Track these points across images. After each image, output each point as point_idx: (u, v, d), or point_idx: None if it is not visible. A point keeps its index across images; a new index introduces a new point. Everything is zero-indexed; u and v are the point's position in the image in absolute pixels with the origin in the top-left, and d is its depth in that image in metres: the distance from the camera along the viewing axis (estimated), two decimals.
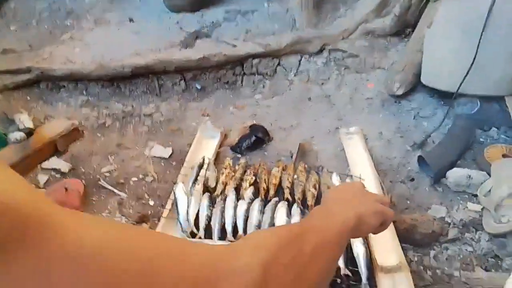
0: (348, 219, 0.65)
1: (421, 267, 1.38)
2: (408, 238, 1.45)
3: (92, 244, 0.35)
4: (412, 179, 1.72)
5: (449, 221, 1.52)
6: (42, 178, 1.87)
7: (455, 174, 1.66)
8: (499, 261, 1.37)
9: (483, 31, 1.72)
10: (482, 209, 1.54)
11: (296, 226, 0.64)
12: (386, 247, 1.36)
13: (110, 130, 2.22)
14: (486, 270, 1.35)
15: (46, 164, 1.94)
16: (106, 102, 2.39)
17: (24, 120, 2.00)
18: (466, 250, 1.43)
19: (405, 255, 1.35)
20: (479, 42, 1.74)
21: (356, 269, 1.28)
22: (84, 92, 2.44)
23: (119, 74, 2.38)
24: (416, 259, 1.41)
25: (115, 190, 1.79)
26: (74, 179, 1.85)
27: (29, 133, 1.99)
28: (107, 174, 1.90)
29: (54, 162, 1.95)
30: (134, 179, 1.86)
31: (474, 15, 1.73)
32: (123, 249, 0.36)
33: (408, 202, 1.63)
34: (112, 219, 0.48)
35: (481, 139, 1.88)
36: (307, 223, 0.62)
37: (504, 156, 1.72)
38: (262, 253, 0.46)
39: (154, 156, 1.98)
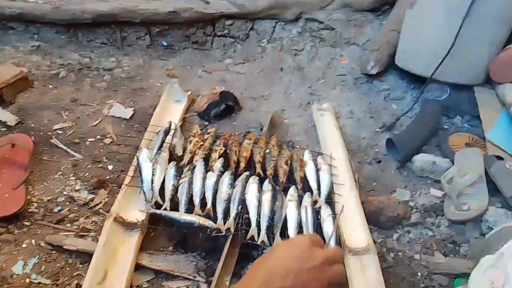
0: None
1: (384, 249, 1.41)
2: (374, 220, 1.47)
3: None
4: (379, 161, 1.74)
5: (412, 205, 1.56)
6: None
7: (421, 159, 1.69)
8: (457, 247, 1.43)
9: (465, 17, 1.72)
10: (443, 195, 1.59)
11: None
12: (355, 229, 1.36)
13: (64, 82, 2.02)
14: (445, 255, 1.41)
15: None
16: (60, 50, 2.17)
17: None
18: (426, 234, 1.47)
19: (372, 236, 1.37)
20: (459, 29, 1.74)
21: None
22: (36, 37, 2.19)
23: (78, 20, 2.15)
24: (379, 241, 1.43)
25: (69, 150, 1.65)
26: (22, 134, 1.67)
27: None
28: (60, 132, 1.74)
29: None
30: (91, 139, 1.72)
31: (459, 1, 1.72)
32: None
33: (375, 183, 1.65)
34: None
35: (445, 126, 1.93)
36: None
37: (467, 145, 1.77)
38: None
39: (114, 116, 1.85)
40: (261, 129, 1.82)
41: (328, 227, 1.32)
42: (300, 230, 1.30)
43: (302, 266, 0.56)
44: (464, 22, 1.73)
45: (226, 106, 1.88)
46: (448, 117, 1.97)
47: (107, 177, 1.56)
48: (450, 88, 1.94)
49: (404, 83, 2.11)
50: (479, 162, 1.61)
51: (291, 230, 1.30)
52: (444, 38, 1.80)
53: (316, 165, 1.56)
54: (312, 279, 0.56)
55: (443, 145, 1.78)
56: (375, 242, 1.39)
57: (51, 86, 1.98)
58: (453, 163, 1.67)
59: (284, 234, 1.29)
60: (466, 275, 1.17)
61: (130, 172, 1.48)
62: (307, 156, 1.59)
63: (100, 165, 1.61)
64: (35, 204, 1.44)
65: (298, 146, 1.66)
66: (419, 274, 1.34)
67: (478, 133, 1.83)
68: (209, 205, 1.36)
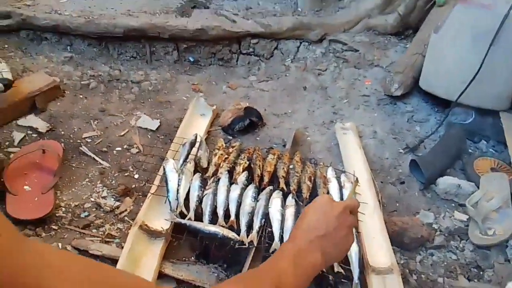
0: (315, 266, 0.67)
1: (407, 271, 1.39)
2: (397, 241, 1.45)
3: None
4: (403, 182, 1.73)
5: (436, 228, 1.55)
6: (18, 135, 1.73)
7: (445, 182, 1.68)
8: (481, 272, 1.41)
9: (491, 43, 1.73)
10: (468, 219, 1.57)
11: (268, 279, 0.61)
12: (378, 249, 1.36)
13: (94, 93, 2.09)
14: (469, 279, 1.38)
15: (22, 121, 1.80)
16: (91, 62, 2.25)
17: (3, 70, 1.84)
18: (450, 257, 1.45)
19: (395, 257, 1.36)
20: (486, 54, 1.75)
21: (348, 267, 1.27)
22: (68, 48, 2.28)
23: (109, 33, 2.23)
24: (402, 262, 1.42)
25: (97, 158, 1.69)
26: (52, 140, 1.73)
27: (7, 85, 1.83)
28: (89, 140, 1.79)
29: (31, 120, 1.82)
30: (118, 148, 1.77)
31: (486, 26, 1.74)
32: None
33: (397, 204, 1.64)
34: (86, 261, 0.46)
35: (470, 150, 1.92)
36: (279, 270, 0.63)
37: (492, 169, 1.75)
38: None
39: (141, 127, 1.89)
40: (284, 146, 1.84)
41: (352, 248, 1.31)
42: None
43: (329, 215, 0.70)
44: (491, 47, 1.73)
45: (250, 122, 1.91)
46: (473, 141, 1.96)
47: (133, 186, 1.58)
48: (475, 112, 1.94)
49: (428, 105, 2.12)
50: (505, 187, 1.59)
51: None
52: (470, 62, 1.81)
53: (339, 182, 1.56)
54: (340, 223, 0.70)
55: (468, 169, 1.77)
56: (398, 263, 1.38)
57: (81, 96, 2.04)
58: (478, 187, 1.66)
59: None
60: None
61: (156, 182, 1.51)
62: (330, 174, 1.60)
63: (126, 174, 1.64)
64: (63, 209, 1.47)
65: (321, 163, 1.67)
66: None
67: (503, 158, 1.81)
68: (232, 217, 1.37)
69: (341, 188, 1.54)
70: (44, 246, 0.40)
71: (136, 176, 1.63)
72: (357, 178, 1.56)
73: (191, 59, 2.37)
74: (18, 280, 0.33)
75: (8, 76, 1.85)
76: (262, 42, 2.43)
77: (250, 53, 2.43)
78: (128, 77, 2.20)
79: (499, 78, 1.80)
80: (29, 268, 0.35)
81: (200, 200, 1.42)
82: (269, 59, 2.45)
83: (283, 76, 2.35)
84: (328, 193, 1.51)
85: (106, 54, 2.30)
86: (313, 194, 1.52)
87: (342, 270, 1.26)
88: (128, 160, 1.71)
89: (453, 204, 1.65)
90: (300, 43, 2.47)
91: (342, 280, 1.28)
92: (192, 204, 1.41)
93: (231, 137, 1.89)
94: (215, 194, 1.44)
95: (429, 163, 1.73)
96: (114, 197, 1.53)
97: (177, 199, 1.42)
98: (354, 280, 1.24)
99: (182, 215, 1.39)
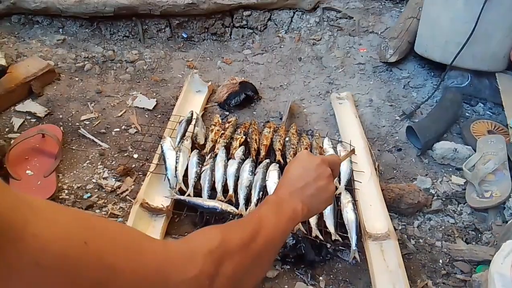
0: (296, 212, 0.68)
1: (405, 236, 1.40)
2: (394, 207, 1.46)
3: (54, 252, 0.35)
4: (400, 149, 1.73)
5: (433, 193, 1.55)
6: (17, 121, 1.73)
7: (442, 147, 1.67)
8: (479, 234, 1.42)
9: (485, 3, 1.68)
10: (465, 182, 1.57)
11: (250, 224, 0.61)
12: (375, 215, 1.37)
13: (89, 75, 2.07)
14: (467, 242, 1.40)
15: (20, 107, 1.80)
16: (84, 43, 2.21)
17: None
18: (448, 221, 1.46)
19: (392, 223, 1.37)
20: (480, 14, 1.70)
21: (346, 235, 1.28)
22: (61, 31, 2.24)
23: (100, 13, 2.19)
24: (400, 227, 1.43)
25: (96, 140, 1.69)
26: (51, 125, 1.72)
27: (2, 71, 1.81)
28: (87, 123, 1.79)
29: (29, 105, 1.81)
30: (116, 129, 1.76)
31: None
32: (85, 257, 0.38)
33: (395, 171, 1.64)
34: (74, 210, 0.47)
35: (467, 114, 1.90)
36: (260, 216, 0.64)
37: (489, 132, 1.74)
38: (215, 261, 0.49)
39: (137, 107, 1.88)
40: (281, 118, 1.83)
41: (348, 214, 1.32)
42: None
43: (308, 168, 0.73)
44: (484, 8, 1.69)
45: (245, 96, 1.89)
46: (470, 104, 1.94)
47: (133, 165, 1.59)
48: (471, 75, 1.91)
49: (424, 70, 2.09)
50: (502, 148, 1.58)
51: None
52: (463, 24, 1.76)
53: (336, 152, 1.56)
54: (319, 174, 0.73)
55: (465, 132, 1.76)
56: (395, 229, 1.39)
57: (77, 79, 2.03)
58: (475, 150, 1.65)
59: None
60: (488, 262, 1.16)
61: (155, 160, 1.52)
62: (326, 144, 1.60)
63: (125, 154, 1.64)
64: (66, 191, 1.48)
65: (317, 134, 1.66)
66: (440, 261, 1.33)
67: (500, 120, 1.79)
68: (231, 191, 1.39)
69: None
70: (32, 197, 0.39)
71: (135, 155, 1.64)
72: (353, 149, 1.55)
73: (184, 35, 2.33)
74: (5, 219, 0.33)
75: (2, 62, 1.83)
76: (255, 13, 2.38)
77: (243, 26, 2.39)
78: (122, 57, 2.17)
79: (493, 38, 1.76)
80: (16, 209, 0.35)
81: (198, 176, 1.43)
82: (262, 31, 2.40)
83: (277, 48, 2.31)
84: None
85: (99, 34, 2.26)
86: None
87: (339, 238, 1.27)
88: (126, 140, 1.71)
89: (450, 169, 1.65)
90: (294, 13, 2.41)
91: (340, 247, 1.30)
92: (191, 180, 1.42)
93: (227, 113, 1.88)
94: (213, 170, 1.45)
95: (425, 129, 1.71)
96: (115, 177, 1.54)
97: (176, 176, 1.43)
98: (352, 247, 1.25)
99: (182, 192, 1.40)
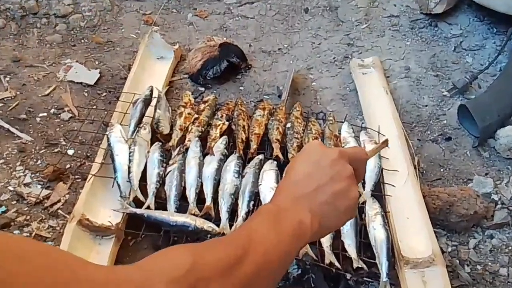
0: (303, 227, 0.67)
1: (457, 261, 1.43)
2: (442, 221, 1.48)
3: None
4: (449, 138, 1.75)
5: (496, 199, 1.57)
6: None
7: (508, 134, 1.69)
8: None
9: None
10: None
11: (235, 242, 0.61)
12: (414, 233, 1.38)
13: (2, 35, 2.06)
14: None
15: None
16: None
17: None
18: None
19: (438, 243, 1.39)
20: None
21: (373, 260, 1.30)
22: None
23: None
24: (450, 249, 1.45)
25: (13, 130, 1.69)
26: None
27: None
28: (0, 105, 1.78)
29: None
30: (43, 114, 1.76)
31: None
32: None
33: (442, 170, 1.66)
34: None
35: None
36: (250, 231, 0.64)
37: None
38: None
39: (73, 81, 1.88)
40: (279, 96, 1.84)
41: (376, 230, 1.33)
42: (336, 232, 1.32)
43: (320, 165, 0.72)
44: None
45: (228, 64, 1.90)
46: None
47: (67, 166, 1.59)
48: None
49: (482, 25, 2.11)
50: None
51: None
52: None
53: (359, 143, 1.58)
54: (336, 172, 0.71)
55: None
56: (443, 252, 1.41)
57: None
58: None
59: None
60: None
61: (99, 158, 1.52)
62: (345, 132, 1.61)
63: (56, 150, 1.64)
64: None
65: (332, 118, 1.67)
66: None
67: None
68: (208, 201, 1.39)
69: None
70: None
71: (71, 152, 1.64)
72: (386, 140, 1.54)
73: None
74: None
75: None
76: None
77: None
78: (49, 10, 2.16)
79: None
80: None
81: (162, 181, 1.44)
82: None
83: None
84: None
85: None
86: None
87: (364, 265, 1.28)
88: (57, 129, 1.71)
89: None
90: None
91: (365, 278, 1.31)
92: (151, 186, 1.42)
93: (202, 88, 1.89)
94: (182, 171, 1.45)
95: (484, 109, 1.73)
96: (41, 183, 1.54)
97: (130, 180, 1.43)
98: (382, 278, 1.26)
99: (138, 203, 1.40)
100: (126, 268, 0.51)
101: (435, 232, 1.41)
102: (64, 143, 1.67)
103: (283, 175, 0.76)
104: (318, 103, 1.86)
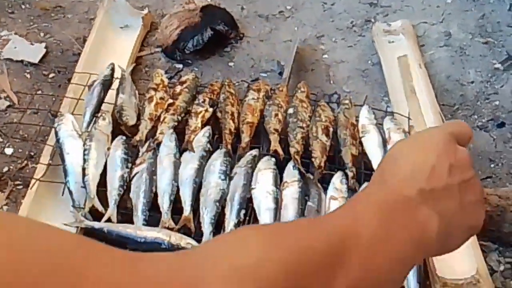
0: (428, 228, 0.64)
1: (511, 283, 1.44)
2: (491, 231, 1.50)
3: None
4: (502, 124, 1.77)
5: None
6: None
7: None
8: None
9: None
10: None
11: (327, 237, 0.58)
12: None
13: None
14: None
15: None
16: None
17: None
18: None
19: (485, 261, 1.41)
20: None
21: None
22: None
23: None
24: (502, 268, 1.47)
25: None
26: None
27: None
28: None
29: None
30: None
31: None
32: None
33: (493, 165, 1.68)
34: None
35: None
36: (348, 228, 0.60)
37: None
38: None
39: (10, 60, 1.91)
40: (280, 73, 1.87)
41: None
42: None
43: (451, 160, 0.69)
44: None
45: (214, 34, 1.92)
46: None
47: (5, 169, 1.62)
48: None
49: None
50: None
51: None
52: None
53: (382, 133, 1.60)
54: (467, 180, 0.69)
55: None
56: (493, 271, 1.43)
57: None
58: None
59: None
60: None
61: (45, 158, 1.55)
62: (365, 118, 1.64)
63: None
64: None
65: (348, 100, 1.70)
66: None
67: None
68: (187, 211, 1.42)
69: (384, 142, 1.57)
70: None
71: (9, 150, 1.67)
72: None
73: None
74: None
75: None
76: None
77: None
78: None
79: None
80: None
81: (126, 186, 1.46)
82: None
83: None
84: (360, 153, 1.55)
85: None
86: (335, 157, 1.56)
87: None
88: None
89: None
90: None
91: None
92: (113, 193, 1.45)
93: (180, 65, 1.92)
94: (153, 173, 1.47)
95: None
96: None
97: (85, 186, 1.46)
98: None
99: (97, 214, 1.43)
100: (171, 256, 0.51)
101: (482, 246, 1.43)
102: (1, 140, 1.69)
103: (385, 160, 0.72)
104: (331, 82, 1.88)
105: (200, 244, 0.52)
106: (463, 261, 1.38)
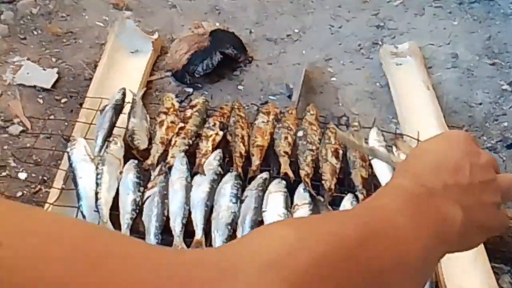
0: (453, 220, 0.65)
1: None
2: (503, 252, 1.50)
3: None
4: (511, 145, 1.78)
5: None
6: None
7: None
8: None
9: None
10: None
11: (354, 225, 0.58)
12: (464, 267, 1.40)
13: None
14: None
15: None
16: None
17: None
18: None
19: (497, 283, 1.41)
20: None
21: None
22: None
23: None
24: None
25: None
26: None
27: None
28: None
29: None
30: None
31: None
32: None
33: None
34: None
35: None
36: (375, 215, 0.62)
37: None
38: (282, 280, 0.47)
39: (23, 85, 1.92)
40: (289, 96, 1.88)
41: None
42: None
43: (473, 159, 0.72)
44: None
45: (223, 57, 1.93)
46: None
47: (18, 194, 1.63)
48: None
49: None
50: None
51: None
52: None
53: (388, 156, 1.60)
54: (487, 181, 0.71)
55: None
56: None
57: None
58: None
59: None
60: None
61: (58, 183, 1.56)
62: (374, 140, 1.64)
63: (4, 173, 1.68)
64: None
65: (357, 123, 1.71)
66: None
67: None
68: (199, 234, 1.42)
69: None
70: None
71: (23, 175, 1.68)
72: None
73: None
74: None
75: None
76: None
77: None
78: None
79: None
80: None
81: (139, 209, 1.47)
82: None
83: None
84: (370, 175, 1.56)
85: None
86: (345, 180, 1.57)
87: None
88: (5, 147, 1.75)
89: None
90: None
91: None
92: (126, 216, 1.46)
93: (190, 89, 1.93)
94: (164, 196, 1.48)
95: None
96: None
97: (98, 210, 1.47)
98: None
99: None
100: (206, 250, 0.52)
101: (494, 268, 1.44)
102: (14, 165, 1.70)
103: (411, 153, 0.76)
104: (340, 104, 1.90)
105: (235, 239, 0.53)
106: (475, 283, 1.39)
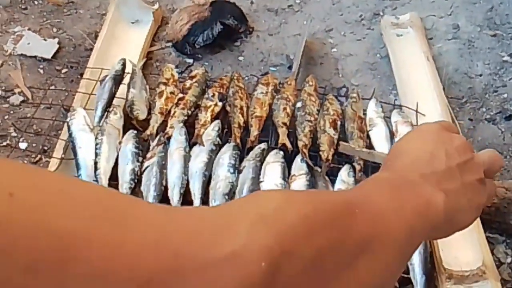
0: (434, 202, 0.69)
1: None
2: (498, 223, 1.50)
3: None
4: (510, 117, 1.77)
5: None
6: None
7: None
8: None
9: None
10: None
11: (340, 196, 0.64)
12: (460, 239, 1.40)
13: None
14: None
15: None
16: None
17: None
18: None
19: (492, 253, 1.42)
20: None
21: (407, 275, 1.33)
22: None
23: None
24: (510, 260, 1.47)
25: None
26: None
27: None
28: None
29: None
30: None
31: None
32: (8, 216, 0.41)
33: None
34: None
35: None
36: (359, 194, 0.66)
37: None
38: (271, 239, 0.49)
39: (24, 55, 1.93)
40: (289, 67, 1.88)
41: None
42: None
43: (447, 146, 0.78)
44: None
45: (223, 28, 1.93)
46: None
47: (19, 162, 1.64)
48: None
49: None
50: None
51: None
52: None
53: (389, 126, 1.61)
54: (465, 162, 0.78)
55: None
56: (500, 263, 1.44)
57: None
58: None
59: None
60: None
61: (58, 152, 1.57)
62: (372, 111, 1.65)
63: (5, 143, 1.69)
64: None
65: (356, 94, 1.70)
66: None
67: None
68: (196, 204, 1.43)
69: (392, 135, 1.58)
70: None
71: (23, 145, 1.69)
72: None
73: None
74: None
75: None
76: None
77: None
78: None
79: None
80: None
81: (138, 179, 1.48)
82: None
83: None
84: (368, 146, 1.56)
85: None
86: (342, 152, 1.57)
87: (396, 284, 1.32)
88: (6, 117, 1.76)
89: None
90: None
91: None
92: (124, 186, 1.47)
93: (190, 60, 1.93)
94: (163, 166, 1.49)
95: None
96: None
97: (97, 179, 1.48)
98: None
99: None
100: (200, 208, 0.55)
101: (489, 238, 1.44)
102: (15, 134, 1.71)
103: (389, 155, 0.81)
104: (340, 75, 1.89)
105: (230, 201, 0.59)
106: (469, 252, 1.39)
